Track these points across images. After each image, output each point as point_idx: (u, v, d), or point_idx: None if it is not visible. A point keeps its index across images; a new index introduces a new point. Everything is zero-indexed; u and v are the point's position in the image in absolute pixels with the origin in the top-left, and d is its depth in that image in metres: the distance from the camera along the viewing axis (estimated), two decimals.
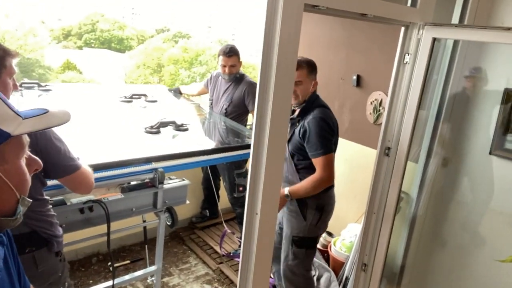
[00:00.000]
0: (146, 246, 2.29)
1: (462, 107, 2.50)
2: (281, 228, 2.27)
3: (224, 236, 3.18)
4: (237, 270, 2.94)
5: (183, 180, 2.13)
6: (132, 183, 2.00)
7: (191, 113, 3.05)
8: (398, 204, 2.26)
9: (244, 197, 3.07)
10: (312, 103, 2.11)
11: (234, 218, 3.47)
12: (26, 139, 0.71)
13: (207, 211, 3.50)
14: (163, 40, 31.60)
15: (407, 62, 2.09)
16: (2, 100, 0.65)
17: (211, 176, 3.16)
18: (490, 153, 2.37)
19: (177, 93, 3.39)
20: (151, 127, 2.30)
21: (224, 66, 2.95)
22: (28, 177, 0.71)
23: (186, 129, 2.41)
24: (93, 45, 33.55)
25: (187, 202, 2.13)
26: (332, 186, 2.19)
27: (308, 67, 2.11)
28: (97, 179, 1.80)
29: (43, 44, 29.84)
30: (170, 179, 2.12)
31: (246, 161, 3.01)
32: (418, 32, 2.03)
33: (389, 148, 2.24)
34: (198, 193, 3.47)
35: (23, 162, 0.70)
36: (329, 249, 2.98)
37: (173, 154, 2.03)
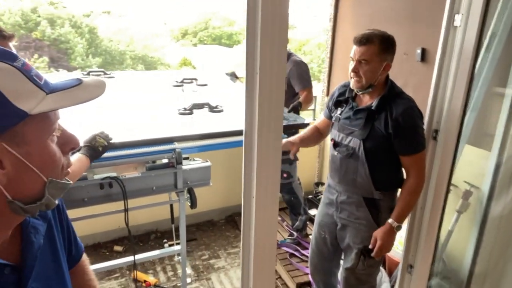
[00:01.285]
0: (173, 225, 2.33)
1: None
2: (332, 237, 2.01)
3: None
4: (282, 259, 2.84)
5: (206, 161, 2.11)
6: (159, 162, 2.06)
7: (240, 96, 3.01)
8: (447, 196, 1.90)
9: (290, 183, 2.94)
10: (391, 91, 1.77)
11: None
12: (56, 114, 0.63)
13: None
14: None
15: (458, 25, 1.72)
16: (22, 71, 0.57)
17: None
18: None
19: (234, 76, 3.38)
20: (185, 109, 2.33)
21: None
22: (58, 158, 0.64)
23: (221, 111, 2.37)
24: (205, 42, 35.87)
25: (211, 184, 2.11)
26: None
27: (382, 43, 1.71)
28: (117, 157, 1.90)
29: (164, 43, 32.96)
30: (194, 160, 2.12)
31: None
32: None
33: (436, 131, 1.89)
34: None
35: (51, 141, 0.63)
36: None
37: (192, 135, 2.02)
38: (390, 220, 1.77)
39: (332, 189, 1.98)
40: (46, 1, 23.17)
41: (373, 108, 1.74)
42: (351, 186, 1.86)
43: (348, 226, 1.92)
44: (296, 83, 2.81)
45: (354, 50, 1.73)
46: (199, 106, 2.38)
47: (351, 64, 1.75)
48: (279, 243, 3.00)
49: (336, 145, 1.91)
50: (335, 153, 1.90)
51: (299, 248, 2.91)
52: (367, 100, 1.81)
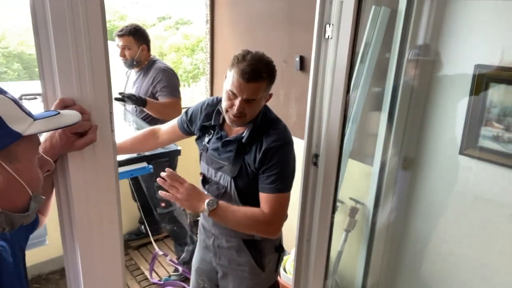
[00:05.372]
0: None
1: (421, 96, 1.90)
2: (212, 285, 1.71)
3: (154, 259, 2.68)
4: None
5: None
6: None
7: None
8: (332, 228, 1.71)
9: (171, 212, 2.56)
10: (264, 118, 1.48)
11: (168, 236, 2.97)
12: (38, 139, 0.72)
13: (143, 227, 3.01)
14: (164, 28, 30.96)
15: (329, 36, 1.51)
16: (14, 101, 0.66)
17: (131, 186, 2.67)
18: (460, 153, 1.79)
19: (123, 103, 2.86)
20: None
21: (118, 47, 2.44)
22: (41, 176, 0.72)
23: None
24: None
25: (47, 242, 1.63)
26: None
27: (270, 77, 1.40)
28: None
29: None
30: None
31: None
32: None
33: (317, 156, 1.68)
34: (132, 204, 2.97)
35: (35, 161, 0.71)
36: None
37: None
38: (212, 199, 1.38)
39: (208, 231, 1.66)
40: None
41: (243, 141, 1.45)
42: (228, 229, 1.55)
43: (230, 274, 1.62)
44: (160, 94, 2.39)
45: (239, 84, 1.34)
46: None
47: (231, 99, 1.38)
48: (162, 281, 2.60)
49: (205, 181, 1.59)
50: (205, 192, 1.57)
51: (185, 286, 2.55)
52: (238, 129, 1.51)
